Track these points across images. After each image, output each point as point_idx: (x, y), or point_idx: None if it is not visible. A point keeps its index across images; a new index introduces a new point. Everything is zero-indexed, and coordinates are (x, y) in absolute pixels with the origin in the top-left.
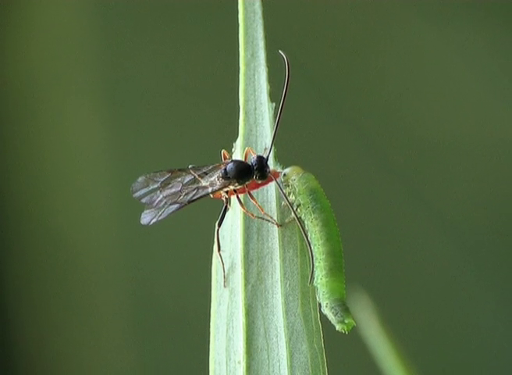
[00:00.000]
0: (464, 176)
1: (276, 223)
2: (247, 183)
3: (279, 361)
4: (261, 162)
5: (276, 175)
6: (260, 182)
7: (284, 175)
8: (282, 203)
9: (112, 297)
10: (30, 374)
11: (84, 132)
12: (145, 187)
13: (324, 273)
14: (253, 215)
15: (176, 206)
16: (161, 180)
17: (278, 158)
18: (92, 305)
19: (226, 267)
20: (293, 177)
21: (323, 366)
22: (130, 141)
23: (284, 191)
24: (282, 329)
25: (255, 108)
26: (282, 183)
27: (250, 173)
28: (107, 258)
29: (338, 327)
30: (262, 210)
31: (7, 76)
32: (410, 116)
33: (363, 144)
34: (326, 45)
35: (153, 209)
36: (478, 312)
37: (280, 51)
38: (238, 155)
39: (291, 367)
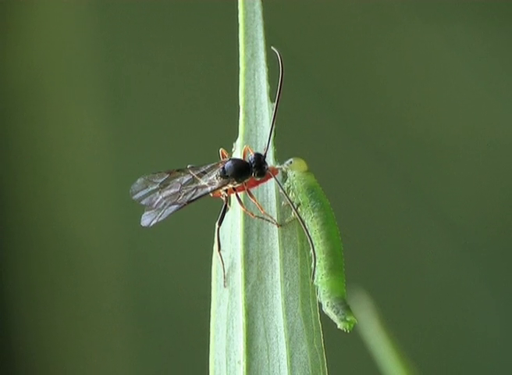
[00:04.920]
0: (465, 176)
1: (276, 223)
2: (245, 181)
3: (278, 361)
4: (259, 159)
5: (275, 172)
6: (258, 179)
7: (290, 162)
8: (283, 203)
9: (112, 297)
10: (30, 374)
11: (85, 133)
12: (144, 188)
13: (324, 272)
14: (252, 214)
15: (175, 207)
16: (160, 181)
17: (277, 158)
18: (92, 305)
19: (226, 267)
20: (294, 172)
21: (323, 366)
22: (131, 142)
23: (283, 186)
24: (282, 329)
25: (255, 108)
26: (282, 171)
27: (249, 171)
28: (108, 259)
29: (340, 326)
30: (262, 209)
31: (8, 76)
32: (410, 115)
33: (363, 142)
34: (326, 45)
35: (153, 211)
36: (479, 312)
37: (273, 48)
38: (238, 155)
39: (291, 367)
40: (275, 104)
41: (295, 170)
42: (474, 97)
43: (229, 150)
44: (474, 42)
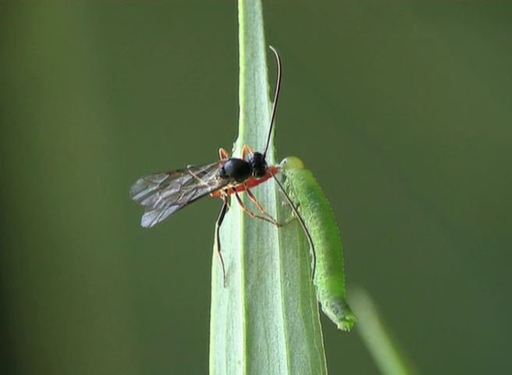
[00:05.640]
0: (466, 177)
1: (276, 223)
2: (245, 180)
3: (278, 361)
4: (259, 159)
5: (275, 171)
6: (258, 179)
7: (284, 162)
8: (283, 203)
9: (111, 297)
10: (30, 374)
11: (85, 134)
12: (144, 189)
13: (323, 271)
14: (252, 214)
15: (175, 207)
16: (160, 181)
17: (277, 158)
18: (92, 305)
19: (226, 267)
20: (291, 171)
21: (323, 366)
22: (131, 142)
23: (282, 185)
24: (282, 329)
25: (255, 108)
26: (280, 172)
27: (248, 171)
28: (108, 259)
29: (340, 325)
30: (262, 209)
31: (7, 76)
32: (410, 115)
33: (363, 142)
34: (327, 45)
35: (153, 211)
36: (479, 313)
37: (271, 47)
38: (238, 155)
39: (291, 367)
40: (273, 103)
41: (292, 168)
42: (475, 97)
43: (229, 150)
44: (475, 43)
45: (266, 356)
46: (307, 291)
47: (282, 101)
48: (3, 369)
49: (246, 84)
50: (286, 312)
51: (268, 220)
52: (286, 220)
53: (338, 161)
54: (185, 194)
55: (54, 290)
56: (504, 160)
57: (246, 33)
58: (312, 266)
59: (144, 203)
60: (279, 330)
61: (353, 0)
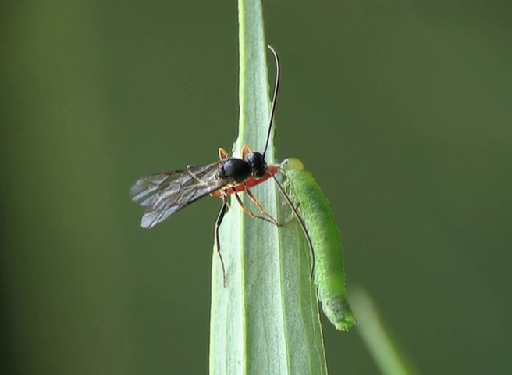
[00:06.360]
0: (465, 176)
1: (276, 223)
2: (245, 180)
3: (278, 361)
4: (258, 158)
5: (274, 171)
6: (258, 179)
7: (286, 163)
8: (283, 203)
9: (111, 297)
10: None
11: (84, 135)
12: (144, 190)
13: (324, 271)
14: (252, 214)
15: (175, 208)
16: (160, 182)
17: (277, 158)
18: (92, 305)
19: (226, 267)
20: (291, 171)
21: (323, 366)
22: (131, 142)
23: (282, 185)
24: (282, 329)
25: (255, 108)
26: (280, 173)
27: (248, 171)
28: (108, 260)
29: (338, 326)
30: (262, 209)
31: (6, 76)
32: (410, 115)
33: (363, 142)
34: (327, 45)
35: (153, 212)
36: (479, 312)
37: (269, 46)
38: (238, 155)
39: (291, 367)
40: (272, 103)
41: (292, 169)
42: (475, 97)
43: (229, 150)
44: (476, 43)
45: (266, 356)
46: (307, 291)
47: (282, 101)
48: (3, 369)
49: (246, 84)
50: (286, 312)
51: (268, 220)
52: (286, 220)
53: (338, 161)
54: (185, 195)
55: (54, 290)
56: (504, 160)
57: (246, 33)
58: (312, 266)
59: (143, 204)
60: (279, 330)
61: (354, 0)
